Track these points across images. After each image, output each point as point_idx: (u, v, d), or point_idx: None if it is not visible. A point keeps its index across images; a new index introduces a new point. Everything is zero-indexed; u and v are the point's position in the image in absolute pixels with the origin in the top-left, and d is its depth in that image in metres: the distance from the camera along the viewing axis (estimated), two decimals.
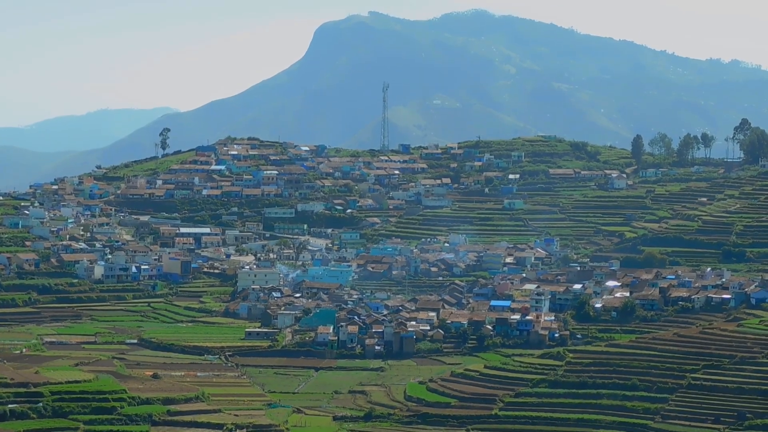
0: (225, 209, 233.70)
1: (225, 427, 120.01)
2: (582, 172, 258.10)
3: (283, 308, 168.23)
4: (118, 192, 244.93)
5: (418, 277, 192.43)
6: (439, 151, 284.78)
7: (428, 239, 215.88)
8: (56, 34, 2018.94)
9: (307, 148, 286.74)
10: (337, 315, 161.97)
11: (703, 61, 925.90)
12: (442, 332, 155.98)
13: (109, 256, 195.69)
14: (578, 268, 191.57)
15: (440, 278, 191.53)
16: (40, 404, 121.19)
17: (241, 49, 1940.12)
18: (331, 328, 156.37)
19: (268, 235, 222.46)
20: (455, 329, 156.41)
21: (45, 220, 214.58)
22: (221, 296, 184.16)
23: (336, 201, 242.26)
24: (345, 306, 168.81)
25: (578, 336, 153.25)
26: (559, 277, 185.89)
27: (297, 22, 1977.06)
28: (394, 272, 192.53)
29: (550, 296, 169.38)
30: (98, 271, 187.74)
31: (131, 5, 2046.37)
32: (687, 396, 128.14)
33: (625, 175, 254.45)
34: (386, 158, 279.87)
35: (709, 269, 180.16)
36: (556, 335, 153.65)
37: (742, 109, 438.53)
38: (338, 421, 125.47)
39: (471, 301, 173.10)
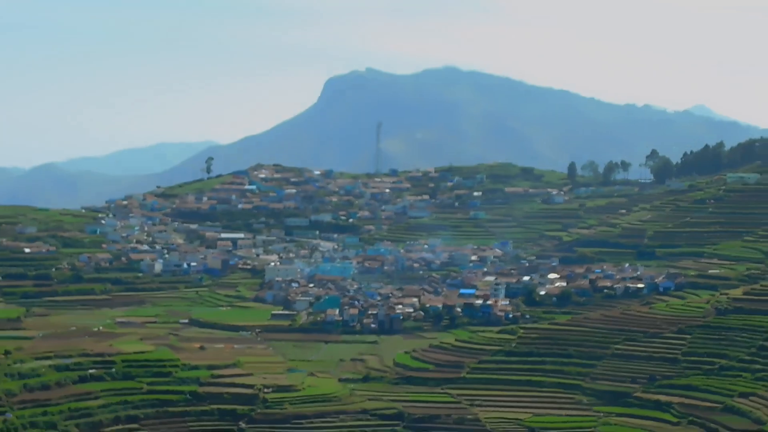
0: (255, 219, 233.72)
1: (255, 387, 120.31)
2: (530, 190, 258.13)
3: (299, 296, 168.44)
4: (173, 206, 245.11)
5: (404, 271, 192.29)
6: (420, 174, 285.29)
7: (412, 242, 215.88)
8: (126, 82, 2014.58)
9: (318, 172, 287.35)
10: (341, 301, 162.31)
11: (622, 105, 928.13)
12: (423, 313, 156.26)
13: (166, 255, 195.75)
14: (527, 264, 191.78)
15: (421, 272, 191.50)
16: (113, 369, 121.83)
17: (269, 96, 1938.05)
18: (337, 310, 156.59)
19: (288, 240, 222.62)
20: (433, 311, 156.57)
21: (117, 228, 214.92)
22: (252, 286, 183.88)
23: (340, 212, 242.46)
24: (347, 294, 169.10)
25: (527, 316, 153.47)
26: (512, 271, 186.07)
27: (311, 76, 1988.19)
28: (385, 268, 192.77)
29: (505, 286, 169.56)
30: (158, 267, 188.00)
31: (185, 60, 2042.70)
32: (611, 362, 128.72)
33: (562, 193, 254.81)
34: (379, 180, 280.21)
35: (627, 265, 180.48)
36: (510, 316, 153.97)
37: (651, 142, 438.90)
38: (342, 382, 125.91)
39: (445, 289, 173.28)
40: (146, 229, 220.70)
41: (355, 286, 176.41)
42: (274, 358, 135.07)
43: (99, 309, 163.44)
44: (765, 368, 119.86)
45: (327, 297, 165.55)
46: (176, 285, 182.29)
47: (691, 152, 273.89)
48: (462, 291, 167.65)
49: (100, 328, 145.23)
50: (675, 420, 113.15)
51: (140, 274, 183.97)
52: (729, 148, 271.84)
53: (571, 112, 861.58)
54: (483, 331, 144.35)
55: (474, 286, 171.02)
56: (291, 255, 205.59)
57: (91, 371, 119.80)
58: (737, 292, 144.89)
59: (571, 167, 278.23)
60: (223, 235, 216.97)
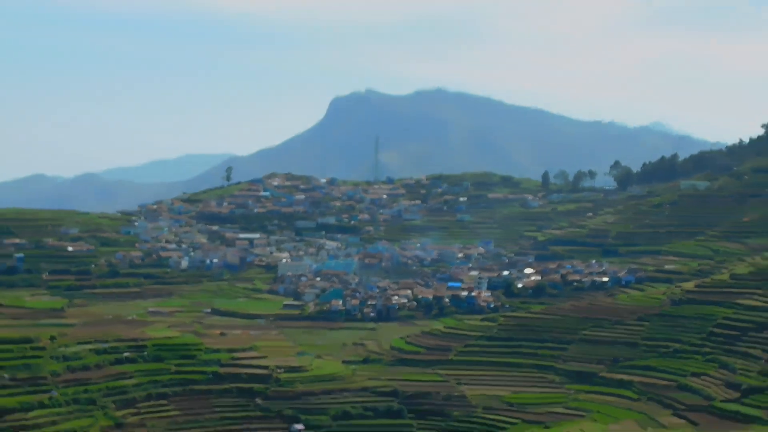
0: (269, 222, 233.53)
1: (269, 368, 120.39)
2: (509, 196, 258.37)
3: (308, 288, 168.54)
4: (197, 210, 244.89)
5: (400, 267, 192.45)
6: (413, 182, 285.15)
7: (406, 241, 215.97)
8: (157, 101, 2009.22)
9: (324, 180, 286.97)
10: (344, 292, 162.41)
11: (590, 122, 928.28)
12: (415, 304, 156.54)
13: (191, 253, 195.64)
14: (506, 261, 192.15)
15: (414, 267, 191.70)
16: (145, 352, 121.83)
17: (281, 113, 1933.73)
18: (341, 301, 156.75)
19: (297, 239, 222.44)
20: (424, 302, 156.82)
21: (148, 229, 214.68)
22: (266, 280, 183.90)
23: (344, 215, 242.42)
24: (350, 286, 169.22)
25: (507, 306, 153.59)
26: (493, 266, 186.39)
27: (318, 96, 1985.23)
28: (383, 264, 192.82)
29: (487, 279, 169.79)
30: (184, 263, 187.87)
31: (207, 82, 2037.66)
32: (579, 346, 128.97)
33: (537, 198, 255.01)
34: (377, 187, 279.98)
35: (594, 261, 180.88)
36: (492, 306, 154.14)
37: (615, 154, 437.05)
38: (345, 364, 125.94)
39: (435, 283, 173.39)
40: (174, 230, 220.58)
41: (357, 280, 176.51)
42: (286, 343, 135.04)
43: (132, 300, 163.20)
44: (714, 351, 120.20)
45: (332, 289, 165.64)
46: (200, 279, 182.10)
47: (650, 163, 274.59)
48: (450, 284, 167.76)
49: (134, 316, 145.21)
50: (635, 396, 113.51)
51: (168, 270, 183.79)
52: (682, 159, 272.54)
53: (545, 127, 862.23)
54: (468, 319, 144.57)
55: (460, 280, 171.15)
56: (300, 253, 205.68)
57: (125, 354, 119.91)
58: (690, 285, 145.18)
59: (545, 176, 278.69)
60: (241, 236, 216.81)
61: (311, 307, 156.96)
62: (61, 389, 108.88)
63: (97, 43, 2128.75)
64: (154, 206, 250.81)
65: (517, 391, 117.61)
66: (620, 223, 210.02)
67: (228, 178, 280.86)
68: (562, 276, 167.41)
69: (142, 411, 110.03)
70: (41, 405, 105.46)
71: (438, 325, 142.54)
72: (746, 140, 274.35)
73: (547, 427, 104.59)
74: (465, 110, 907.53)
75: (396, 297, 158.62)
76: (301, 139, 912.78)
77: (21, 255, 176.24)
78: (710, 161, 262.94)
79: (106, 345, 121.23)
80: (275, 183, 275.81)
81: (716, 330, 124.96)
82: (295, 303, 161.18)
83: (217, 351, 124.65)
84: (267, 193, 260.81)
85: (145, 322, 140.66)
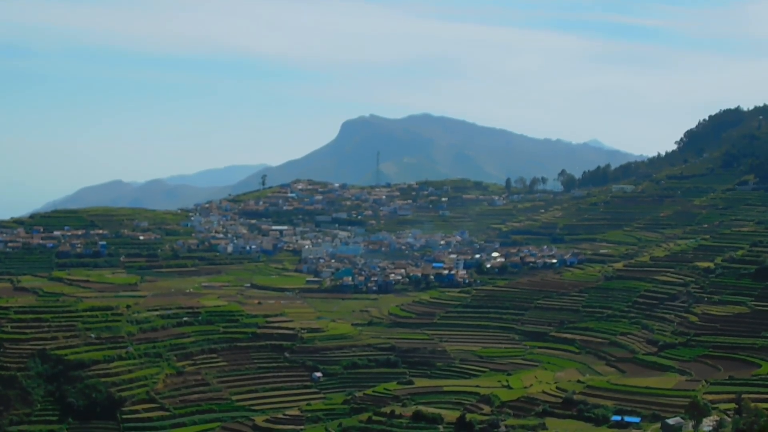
0: (295, 217, 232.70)
1: (296, 329, 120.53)
2: (480, 197, 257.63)
3: (325, 268, 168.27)
4: (240, 208, 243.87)
5: (396, 251, 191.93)
6: (406, 186, 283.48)
7: (401, 232, 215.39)
8: (210, 123, 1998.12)
9: (337, 185, 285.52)
10: (353, 271, 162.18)
11: (542, 139, 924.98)
12: (408, 279, 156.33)
13: (235, 241, 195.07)
14: (478, 246, 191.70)
15: (407, 252, 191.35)
16: (200, 317, 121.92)
17: (304, 133, 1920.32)
18: (350, 278, 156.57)
19: (317, 230, 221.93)
20: (414, 278, 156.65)
21: (202, 222, 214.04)
22: (293, 261, 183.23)
23: (352, 212, 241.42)
24: (357, 266, 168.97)
25: (478, 281, 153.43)
26: (468, 251, 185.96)
27: (333, 119, 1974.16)
28: (383, 249, 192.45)
29: (463, 261, 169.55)
30: (229, 248, 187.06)
31: (249, 108, 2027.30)
32: (534, 312, 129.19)
33: (502, 198, 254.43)
34: (378, 190, 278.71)
35: (545, 246, 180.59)
36: (466, 281, 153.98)
37: (561, 164, 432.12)
38: (354, 326, 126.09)
39: (423, 263, 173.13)
40: (222, 223, 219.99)
41: (362, 261, 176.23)
42: (308, 310, 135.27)
43: (190, 277, 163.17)
44: (637, 316, 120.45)
45: (343, 269, 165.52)
46: (242, 261, 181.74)
47: (588, 171, 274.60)
48: (434, 264, 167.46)
49: (191, 289, 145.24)
50: (577, 350, 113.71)
51: (217, 254, 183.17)
52: (613, 168, 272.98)
53: (508, 143, 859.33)
54: (448, 291, 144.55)
55: (442, 261, 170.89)
56: (319, 240, 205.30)
57: (184, 318, 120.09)
58: (619, 265, 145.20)
59: (508, 181, 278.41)
60: (274, 227, 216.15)
61: (327, 282, 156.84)
62: (135, 345, 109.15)
63: (160, 79, 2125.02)
64: (207, 205, 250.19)
65: (486, 347, 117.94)
66: (565, 217, 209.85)
67: (263, 183, 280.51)
68: (521, 258, 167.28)
69: (198, 362, 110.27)
70: (120, 357, 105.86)
71: (425, 296, 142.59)
72: (663, 153, 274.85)
73: (509, 374, 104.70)
74: (446, 130, 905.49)
75: (393, 274, 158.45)
76: (319, 153, 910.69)
77: (104, 243, 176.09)
78: (635, 170, 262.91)
79: (169, 311, 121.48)
80: (299, 187, 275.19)
81: (639, 299, 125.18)
82: (315, 279, 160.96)
83: (255, 316, 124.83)
84: (293, 195, 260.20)
85: (200, 293, 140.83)
